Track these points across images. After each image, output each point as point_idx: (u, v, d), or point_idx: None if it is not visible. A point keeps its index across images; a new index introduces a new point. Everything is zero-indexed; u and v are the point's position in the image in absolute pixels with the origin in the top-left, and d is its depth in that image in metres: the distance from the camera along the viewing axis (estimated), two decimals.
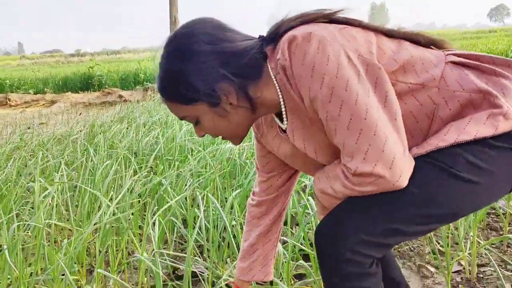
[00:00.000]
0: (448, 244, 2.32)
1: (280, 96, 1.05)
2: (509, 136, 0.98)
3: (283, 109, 1.08)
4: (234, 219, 2.00)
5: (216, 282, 1.97)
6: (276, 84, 1.04)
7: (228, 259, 1.92)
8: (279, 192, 1.34)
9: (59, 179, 2.44)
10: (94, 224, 1.72)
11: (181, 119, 1.09)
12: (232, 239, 1.78)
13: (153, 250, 1.67)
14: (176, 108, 1.07)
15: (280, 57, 0.99)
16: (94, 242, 2.33)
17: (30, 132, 5.37)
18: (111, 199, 2.20)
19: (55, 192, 2.15)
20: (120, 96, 10.70)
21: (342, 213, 1.04)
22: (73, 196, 2.34)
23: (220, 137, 1.13)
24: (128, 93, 10.95)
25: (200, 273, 1.94)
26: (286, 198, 1.38)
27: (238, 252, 1.78)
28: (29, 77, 15.34)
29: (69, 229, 2.27)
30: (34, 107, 11.06)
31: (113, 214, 1.90)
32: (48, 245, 1.82)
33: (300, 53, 0.96)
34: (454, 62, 1.05)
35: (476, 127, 0.97)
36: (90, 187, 2.28)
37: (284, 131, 1.16)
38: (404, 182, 0.96)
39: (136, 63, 14.39)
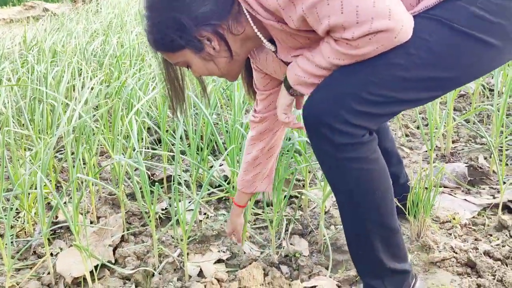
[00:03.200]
0: (418, 127, 2.37)
1: (253, 26, 1.03)
2: None
3: (262, 38, 1.06)
4: (215, 114, 1.90)
5: (202, 183, 1.91)
6: (249, 18, 1.02)
7: (210, 156, 1.84)
8: None
9: (4, 91, 2.17)
10: (61, 131, 1.55)
11: (175, 64, 1.13)
12: (217, 136, 1.69)
13: (134, 150, 1.54)
14: (167, 55, 1.09)
15: None
16: (55, 156, 2.16)
17: None
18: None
19: (6, 99, 1.91)
20: (46, 10, 9.71)
21: (329, 85, 0.97)
22: (24, 107, 2.11)
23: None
24: (54, 5, 9.94)
25: (179, 176, 1.87)
26: None
27: (220, 150, 1.71)
28: None
29: (27, 145, 2.07)
30: None
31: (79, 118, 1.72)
32: (10, 159, 1.64)
33: None
34: None
35: None
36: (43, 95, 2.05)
37: (275, 52, 1.10)
38: (408, 31, 0.89)
39: None
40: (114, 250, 1.55)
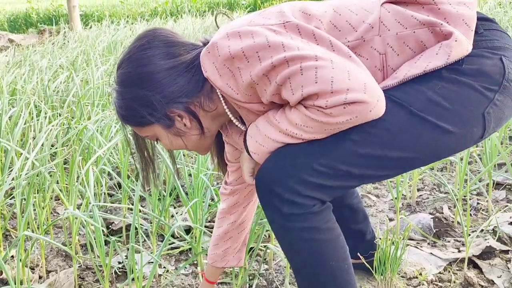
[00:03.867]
0: None
1: (224, 105, 1.04)
2: (471, 69, 0.92)
3: (233, 119, 1.06)
4: (177, 162, 1.84)
5: (162, 234, 1.82)
6: (220, 95, 1.02)
7: (172, 208, 1.76)
8: None
9: None
10: (12, 180, 1.45)
11: (144, 137, 1.12)
12: (178, 184, 1.62)
13: (88, 203, 1.46)
14: (135, 129, 1.09)
15: (204, 72, 0.96)
16: (6, 203, 2.03)
17: None
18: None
19: None
20: (11, 41, 9.49)
21: (282, 155, 0.96)
22: None
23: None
24: (19, 36, 9.75)
25: (141, 225, 1.77)
26: None
27: (182, 200, 1.64)
28: None
29: None
30: None
31: (32, 168, 1.62)
32: None
33: (216, 60, 0.93)
34: (390, 2, 0.96)
35: (428, 59, 0.91)
36: None
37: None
38: (382, 107, 0.88)
39: (26, 2, 12.75)
40: None
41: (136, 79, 1.00)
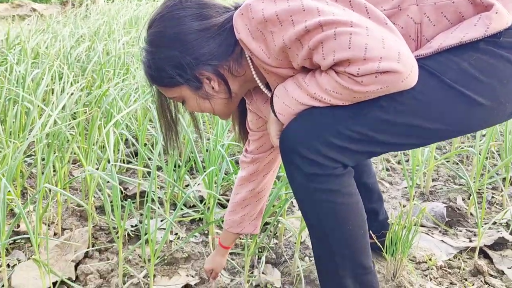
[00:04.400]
0: (398, 162, 2.37)
1: (253, 70, 1.03)
2: (506, 41, 0.90)
3: (259, 84, 1.06)
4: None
5: (175, 203, 1.85)
6: (249, 60, 1.02)
7: (186, 175, 1.78)
8: (272, 150, 1.27)
9: None
10: (33, 136, 1.48)
11: (170, 99, 1.12)
12: (196, 154, 1.63)
13: (106, 165, 1.48)
14: (162, 89, 1.08)
15: (236, 34, 0.95)
16: (25, 161, 2.07)
17: None
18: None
19: None
20: (34, 10, 9.55)
21: (308, 115, 0.95)
22: None
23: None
24: (42, 6, 9.79)
25: (153, 192, 1.80)
26: (279, 156, 1.29)
27: (198, 170, 1.65)
28: None
29: None
30: None
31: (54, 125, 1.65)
32: None
33: (250, 22, 0.93)
34: None
35: (465, 30, 0.89)
36: (20, 97, 1.97)
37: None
38: (415, 78, 0.87)
39: None
40: (76, 266, 1.46)
41: (167, 39, 0.99)
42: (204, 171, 1.67)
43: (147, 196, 1.40)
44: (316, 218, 1.00)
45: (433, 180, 2.15)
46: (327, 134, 0.93)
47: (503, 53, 0.89)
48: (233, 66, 1.02)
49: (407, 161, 2.33)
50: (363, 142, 0.94)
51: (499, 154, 2.24)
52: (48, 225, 1.68)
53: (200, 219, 1.80)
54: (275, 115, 1.01)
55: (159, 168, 2.13)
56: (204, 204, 1.81)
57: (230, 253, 1.60)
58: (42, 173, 1.50)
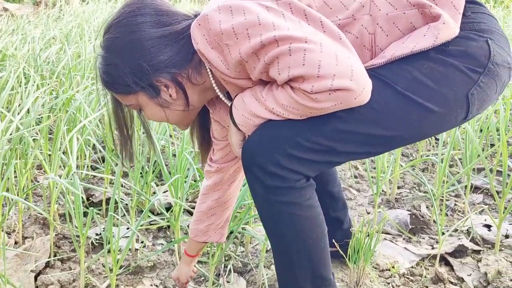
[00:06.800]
0: (366, 169, 2.40)
1: (212, 80, 1.03)
2: (457, 50, 0.94)
3: (220, 95, 1.05)
4: (163, 139, 1.84)
5: (142, 210, 1.83)
6: (208, 69, 1.01)
7: (153, 182, 1.77)
8: (237, 160, 1.26)
9: None
10: None
11: (126, 106, 1.09)
12: (161, 161, 1.62)
13: (71, 171, 1.45)
14: (118, 97, 1.06)
15: (194, 44, 0.95)
16: None
17: None
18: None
19: None
20: (5, 9, 9.30)
21: (268, 127, 0.96)
22: None
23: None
24: (14, 6, 9.54)
25: (121, 199, 1.77)
26: None
27: (164, 176, 1.64)
28: None
29: None
30: None
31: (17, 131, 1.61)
32: None
33: (207, 33, 0.92)
34: None
35: (415, 40, 0.92)
36: None
37: None
38: (367, 94, 0.89)
39: None
40: (36, 277, 1.43)
41: (124, 45, 0.98)
42: (171, 177, 1.65)
43: (110, 204, 1.38)
44: (277, 230, 1.01)
45: (399, 187, 2.19)
46: (286, 146, 0.94)
47: (452, 61, 0.93)
48: (192, 74, 1.01)
49: (374, 168, 2.37)
50: (323, 153, 0.96)
51: (461, 162, 2.30)
52: (9, 233, 1.63)
53: (168, 227, 1.78)
54: (236, 126, 1.01)
55: (126, 175, 2.10)
56: (172, 211, 1.79)
57: (197, 261, 1.59)
58: (2, 179, 1.46)
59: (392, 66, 0.93)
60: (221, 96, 1.07)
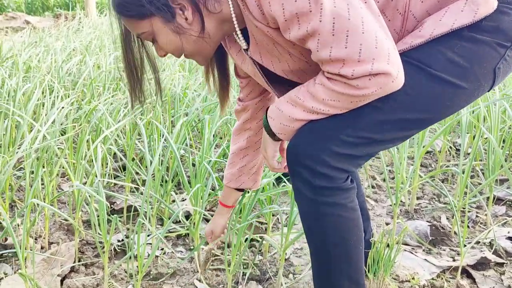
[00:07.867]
0: (384, 179, 2.40)
1: (233, 16, 0.97)
2: (490, 26, 0.93)
3: (237, 30, 1.00)
4: (183, 148, 1.87)
5: (161, 218, 1.86)
6: (230, 4, 0.95)
7: (173, 192, 1.80)
8: (262, 96, 1.27)
9: None
10: (22, 151, 1.49)
11: (138, 36, 1.02)
12: (182, 170, 1.65)
13: (94, 179, 1.49)
14: (131, 24, 0.99)
15: None
16: (14, 174, 2.07)
17: None
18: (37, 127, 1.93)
19: None
20: (27, 22, 9.59)
21: (308, 129, 0.97)
22: None
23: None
24: (36, 19, 9.85)
25: (139, 206, 1.81)
26: (269, 102, 1.31)
27: (184, 186, 1.67)
28: None
29: None
30: None
31: (43, 142, 1.66)
32: None
33: None
34: None
35: (454, 17, 0.92)
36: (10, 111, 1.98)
37: (246, 50, 1.06)
38: (402, 78, 0.89)
39: None
40: (62, 281, 1.46)
41: None
42: (190, 186, 1.68)
43: (134, 211, 1.41)
44: (320, 231, 1.01)
45: (418, 198, 2.18)
46: (331, 145, 0.94)
47: (484, 38, 0.93)
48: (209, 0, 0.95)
49: (393, 178, 2.36)
50: (364, 145, 0.97)
51: (483, 173, 2.28)
52: (36, 239, 1.67)
53: (187, 234, 1.81)
54: (271, 137, 1.02)
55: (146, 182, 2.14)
56: (190, 219, 1.82)
57: (215, 269, 1.61)
58: (31, 186, 1.51)
59: (424, 48, 0.93)
60: (238, 32, 1.01)
